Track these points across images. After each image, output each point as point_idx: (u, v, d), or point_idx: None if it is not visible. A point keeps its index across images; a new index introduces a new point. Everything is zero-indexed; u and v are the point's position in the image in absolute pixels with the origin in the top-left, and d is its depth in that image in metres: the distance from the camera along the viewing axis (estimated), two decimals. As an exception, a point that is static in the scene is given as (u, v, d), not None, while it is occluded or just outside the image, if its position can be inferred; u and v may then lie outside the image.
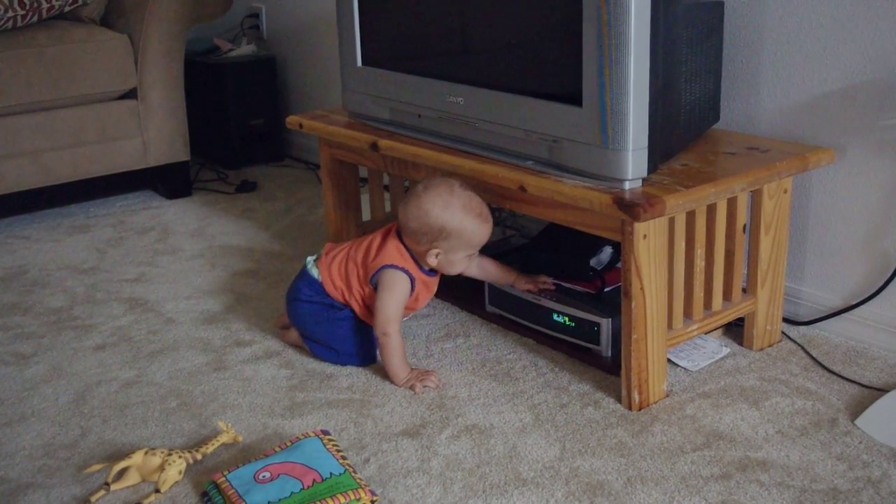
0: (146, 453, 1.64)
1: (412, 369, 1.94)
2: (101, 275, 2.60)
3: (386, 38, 2.22)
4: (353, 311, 2.01)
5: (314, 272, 2.02)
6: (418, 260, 1.95)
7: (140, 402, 1.92)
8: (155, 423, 1.84)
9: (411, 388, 1.90)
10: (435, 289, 2.03)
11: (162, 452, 1.64)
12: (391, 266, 1.93)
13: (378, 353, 1.97)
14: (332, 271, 2.01)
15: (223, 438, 1.72)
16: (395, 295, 1.93)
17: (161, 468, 1.63)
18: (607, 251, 2.07)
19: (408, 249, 1.95)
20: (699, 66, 1.91)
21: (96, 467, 1.66)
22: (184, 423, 1.83)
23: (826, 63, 1.96)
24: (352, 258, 1.99)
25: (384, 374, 1.97)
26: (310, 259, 2.06)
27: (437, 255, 1.93)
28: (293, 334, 2.11)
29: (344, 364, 2.01)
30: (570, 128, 1.78)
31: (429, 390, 1.90)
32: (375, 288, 1.95)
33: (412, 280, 1.94)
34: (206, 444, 1.70)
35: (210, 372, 2.02)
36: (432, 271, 1.99)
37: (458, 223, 1.89)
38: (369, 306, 1.99)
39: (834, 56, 1.94)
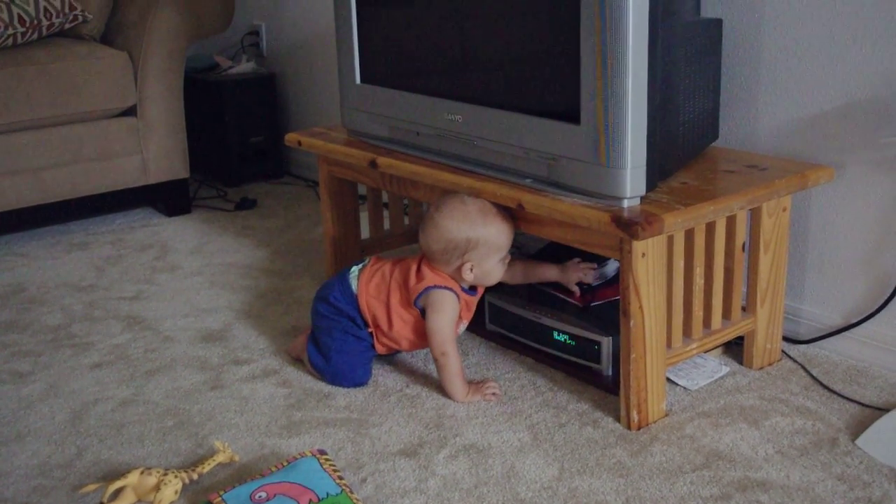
0: (142, 473, 1.63)
1: (470, 382, 1.94)
2: (100, 292, 2.59)
3: (384, 56, 2.22)
4: (371, 336, 2.01)
5: (354, 283, 2.02)
6: (456, 280, 1.95)
7: (137, 420, 1.91)
8: (151, 442, 1.83)
9: (483, 398, 1.92)
10: (474, 309, 2.02)
11: (158, 472, 1.64)
12: (436, 287, 1.93)
13: (439, 375, 1.96)
14: (369, 288, 2.00)
15: (220, 458, 1.71)
16: (447, 313, 1.93)
17: (157, 488, 1.62)
18: (613, 266, 2.07)
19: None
20: (698, 84, 1.90)
21: (92, 487, 1.65)
22: (180, 443, 1.82)
23: (825, 81, 1.96)
24: (394, 279, 1.99)
25: (382, 393, 1.97)
26: (354, 268, 2.05)
27: (471, 269, 1.93)
28: (300, 340, 2.11)
29: (329, 379, 2.01)
30: (569, 146, 1.77)
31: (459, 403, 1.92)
32: (422, 311, 1.95)
33: (458, 298, 1.95)
34: (203, 463, 1.69)
35: (207, 390, 2.01)
36: (472, 289, 1.99)
37: (482, 230, 1.90)
38: (398, 331, 1.99)
39: (833, 74, 1.94)
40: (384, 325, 1.99)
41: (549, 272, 2.09)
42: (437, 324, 1.92)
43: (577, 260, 2.07)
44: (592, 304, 2.04)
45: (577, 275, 2.07)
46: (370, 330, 2.01)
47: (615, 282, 2.08)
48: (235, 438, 1.82)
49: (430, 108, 2.08)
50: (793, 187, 1.87)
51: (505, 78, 1.93)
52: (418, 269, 1.96)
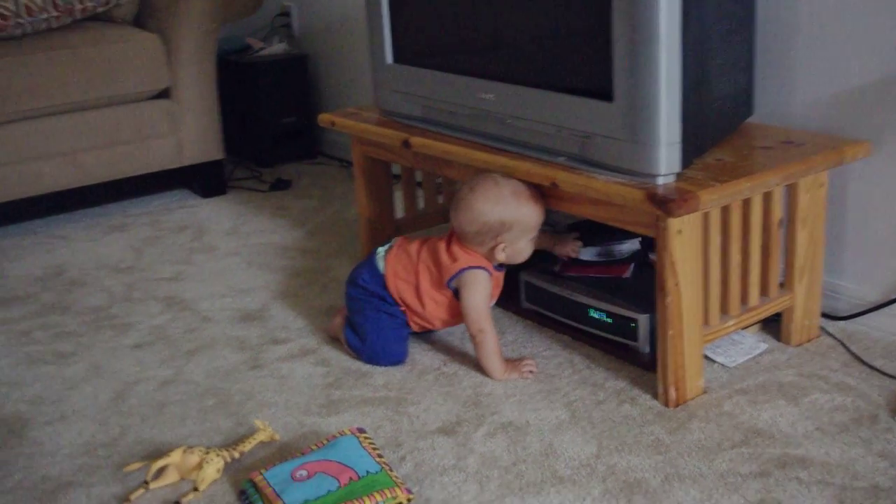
0: (184, 452, 1.66)
1: (507, 360, 1.95)
2: (138, 274, 2.62)
3: (416, 36, 2.22)
4: (404, 314, 2.02)
5: (381, 264, 2.03)
6: (488, 259, 1.96)
7: (178, 400, 1.93)
8: (193, 421, 1.85)
9: (520, 376, 1.93)
10: (502, 284, 2.04)
11: (200, 451, 1.66)
12: (470, 267, 1.94)
13: (476, 352, 1.97)
14: (397, 268, 2.02)
15: (260, 437, 1.73)
16: (482, 292, 1.95)
17: (199, 466, 1.64)
18: (627, 246, 2.08)
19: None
20: (732, 59, 1.89)
21: (135, 466, 1.68)
22: (221, 422, 1.84)
23: (861, 54, 1.94)
24: (422, 260, 2.00)
25: (420, 371, 1.98)
26: (381, 249, 2.07)
27: (503, 249, 1.94)
28: (337, 321, 2.13)
29: (366, 359, 2.02)
30: (602, 123, 1.77)
31: (510, 380, 1.93)
32: (455, 292, 1.97)
33: (490, 276, 1.96)
34: (244, 442, 1.71)
35: (246, 370, 2.04)
36: (500, 266, 2.00)
37: (515, 212, 1.91)
38: (431, 312, 2.00)
39: (869, 47, 1.92)
40: (415, 307, 2.00)
41: (545, 241, 2.11)
42: (473, 301, 1.93)
43: (574, 234, 2.11)
44: (565, 273, 2.10)
45: (567, 249, 2.11)
46: (402, 308, 2.02)
47: (624, 261, 2.11)
48: (275, 417, 1.84)
49: (462, 87, 2.08)
50: (829, 163, 1.86)
51: (537, 56, 1.93)
52: (449, 249, 1.97)
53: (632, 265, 2.08)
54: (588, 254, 2.13)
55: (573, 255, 2.12)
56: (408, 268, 2.01)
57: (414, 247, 2.03)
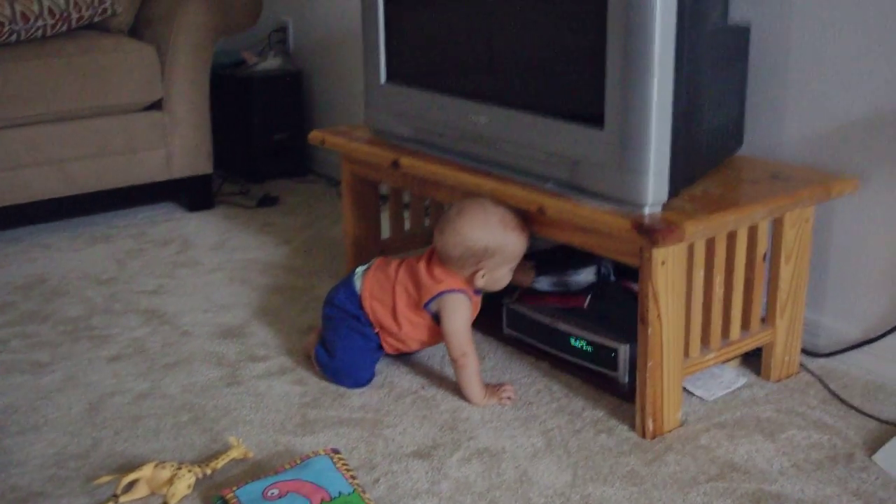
0: (156, 466, 1.64)
1: (487, 385, 1.94)
2: (120, 285, 2.60)
3: (410, 56, 2.22)
4: (377, 336, 2.01)
5: (357, 284, 2.02)
6: (467, 283, 1.96)
7: (153, 414, 1.91)
8: (166, 435, 1.83)
9: (498, 402, 1.92)
10: (479, 308, 2.02)
11: (172, 466, 1.64)
12: (451, 290, 1.93)
13: (456, 376, 1.96)
14: (374, 289, 2.01)
15: (234, 454, 1.72)
16: (463, 316, 1.94)
17: (170, 482, 1.62)
18: (586, 274, 2.08)
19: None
20: (723, 91, 1.89)
21: (106, 479, 1.66)
22: (195, 437, 1.82)
23: (852, 91, 1.94)
24: (399, 281, 1.99)
25: (398, 394, 1.97)
26: (359, 269, 2.06)
27: (483, 276, 1.93)
28: (311, 338, 2.12)
29: (331, 375, 2.01)
30: (592, 150, 1.77)
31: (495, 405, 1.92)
32: (434, 315, 1.95)
33: (470, 301, 1.96)
34: (217, 458, 1.70)
35: (223, 386, 2.02)
36: (477, 291, 1.99)
37: (500, 239, 1.90)
38: (407, 334, 1.99)
39: (860, 84, 1.92)
40: (391, 328, 1.99)
41: (526, 278, 2.11)
42: (455, 325, 1.92)
43: (530, 263, 2.10)
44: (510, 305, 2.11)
45: (522, 277, 2.09)
46: (376, 331, 2.01)
47: (580, 292, 2.09)
48: (250, 435, 1.83)
49: (454, 109, 2.08)
50: (816, 198, 1.86)
51: (530, 81, 1.93)
52: (430, 270, 1.96)
53: (588, 296, 2.07)
54: (543, 283, 2.11)
55: (527, 283, 2.11)
56: (385, 288, 2.00)
57: (392, 267, 2.02)
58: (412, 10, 2.20)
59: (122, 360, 2.15)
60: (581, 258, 2.13)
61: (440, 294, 1.93)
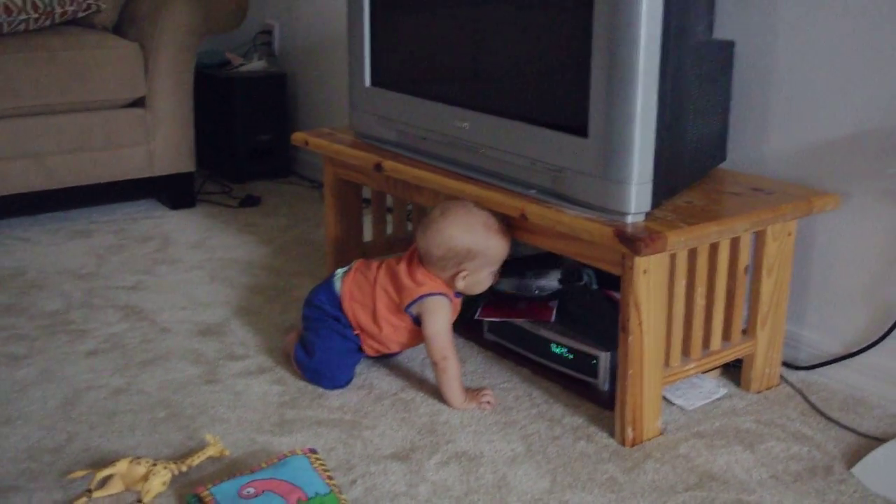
0: (131, 462, 1.63)
1: (467, 390, 1.93)
2: (99, 281, 2.59)
3: (395, 60, 2.22)
4: (358, 338, 2.00)
5: (338, 286, 2.02)
6: (447, 284, 1.95)
7: (129, 410, 1.90)
8: (142, 432, 1.82)
9: (478, 406, 1.91)
10: (458, 310, 2.02)
11: (147, 462, 1.63)
12: (432, 294, 1.92)
13: (437, 379, 1.95)
14: (354, 291, 2.00)
15: (210, 451, 1.70)
16: (444, 319, 1.93)
17: (145, 478, 1.61)
18: (549, 280, 2.08)
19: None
20: (707, 104, 1.90)
21: (80, 473, 1.64)
22: (171, 434, 1.81)
23: (836, 108, 1.95)
24: (379, 284, 1.98)
25: (377, 396, 1.96)
26: (339, 271, 2.05)
27: (464, 278, 1.92)
28: (291, 337, 2.11)
29: (310, 376, 2.00)
30: (575, 158, 1.77)
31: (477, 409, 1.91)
32: (414, 318, 1.95)
33: (451, 303, 1.95)
34: (193, 456, 1.68)
35: (201, 384, 2.01)
36: (457, 294, 1.99)
37: (483, 242, 1.90)
38: (388, 336, 1.98)
39: (844, 101, 1.94)
40: (371, 330, 1.98)
41: None
42: (436, 328, 1.92)
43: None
44: (485, 319, 2.10)
45: None
46: (357, 332, 2.00)
47: (545, 300, 2.10)
48: (227, 433, 1.81)
49: (438, 114, 2.08)
50: (798, 212, 1.86)
51: (515, 88, 1.93)
52: (410, 272, 1.95)
53: (554, 310, 2.06)
54: (506, 285, 2.11)
55: (491, 284, 2.08)
56: (364, 291, 1.99)
57: (372, 270, 2.01)
58: (398, 14, 2.20)
59: (99, 355, 2.13)
60: (547, 263, 2.13)
61: (421, 297, 1.93)
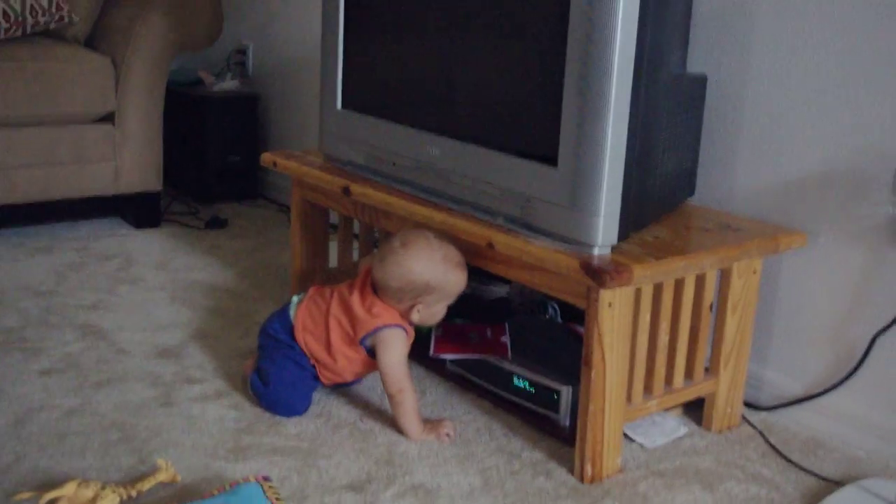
0: (79, 485, 1.58)
1: (426, 421, 1.90)
2: (58, 298, 2.54)
3: (367, 84, 2.21)
4: (314, 368, 1.97)
5: (292, 313, 1.99)
6: (402, 316, 1.92)
7: (80, 431, 1.85)
8: (93, 454, 1.77)
9: (437, 438, 1.88)
10: (412, 339, 1.99)
11: (95, 485, 1.59)
12: (387, 326, 1.89)
13: (393, 411, 1.92)
14: (307, 321, 1.97)
15: (161, 476, 1.66)
16: (400, 351, 1.90)
17: (93, 501, 1.57)
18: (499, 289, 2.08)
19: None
20: (678, 138, 1.90)
21: (25, 495, 1.60)
22: (123, 458, 1.77)
23: (805, 147, 1.95)
24: (333, 314, 1.95)
25: (335, 425, 1.93)
26: (295, 298, 2.02)
27: (419, 311, 1.90)
28: (249, 363, 2.08)
29: (266, 404, 1.96)
30: (544, 188, 1.76)
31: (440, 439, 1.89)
32: (369, 350, 1.92)
33: (406, 335, 1.93)
34: (143, 480, 1.64)
35: (157, 407, 1.97)
36: (411, 324, 1.96)
37: (442, 276, 1.88)
38: (343, 367, 1.96)
39: (813, 141, 1.94)
40: (325, 361, 1.95)
41: None
42: (392, 360, 1.89)
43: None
44: (439, 355, 2.06)
45: None
46: (312, 362, 1.97)
47: (496, 327, 2.09)
48: (180, 458, 1.77)
49: (408, 139, 2.06)
50: (764, 250, 1.86)
51: (486, 115, 1.92)
52: (364, 301, 1.92)
53: (508, 344, 2.04)
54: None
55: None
56: (318, 321, 1.96)
57: (325, 298, 1.98)
58: (372, 39, 2.18)
59: (53, 374, 2.09)
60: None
61: (377, 329, 1.90)
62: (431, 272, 1.87)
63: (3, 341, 2.25)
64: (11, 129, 2.90)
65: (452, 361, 2.11)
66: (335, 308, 1.95)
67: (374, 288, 1.92)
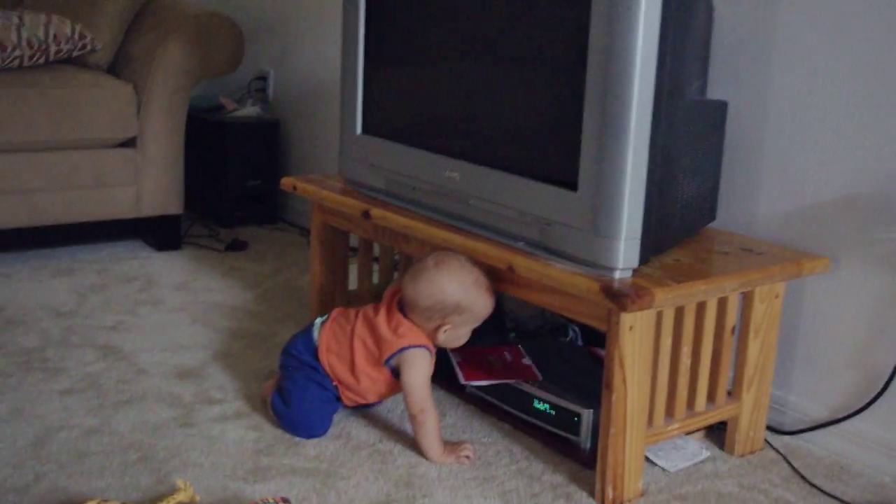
0: (98, 505, 1.59)
1: (446, 443, 1.90)
2: (79, 319, 2.55)
3: (387, 109, 2.22)
4: (336, 388, 1.97)
5: (315, 335, 1.99)
6: (428, 336, 1.92)
7: (100, 451, 1.86)
8: (112, 474, 1.77)
9: (456, 460, 1.87)
10: (434, 361, 1.99)
11: (114, 505, 1.59)
12: (412, 346, 1.90)
13: (414, 432, 1.91)
14: (331, 343, 1.97)
15: (179, 497, 1.66)
16: (424, 372, 1.90)
17: (111, 522, 1.57)
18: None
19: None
20: (698, 163, 1.89)
21: (45, 515, 1.60)
22: (141, 478, 1.77)
23: (827, 171, 1.95)
24: (357, 335, 1.95)
25: (354, 446, 1.92)
26: (318, 320, 2.02)
27: (445, 331, 1.90)
28: (269, 384, 2.08)
29: (286, 425, 1.96)
30: (564, 212, 1.76)
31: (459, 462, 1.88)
32: (393, 370, 1.92)
33: (431, 355, 1.93)
34: (162, 501, 1.64)
35: (176, 427, 1.97)
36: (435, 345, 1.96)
37: (473, 299, 1.88)
38: (366, 388, 1.95)
39: (835, 165, 1.93)
40: (349, 382, 1.95)
41: None
42: (415, 381, 1.88)
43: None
44: (470, 382, 2.04)
45: None
46: (335, 383, 1.97)
47: (518, 351, 2.08)
48: (199, 479, 1.77)
49: (428, 164, 2.07)
50: (787, 274, 1.85)
51: (506, 139, 1.92)
52: (390, 321, 1.92)
53: (534, 368, 2.03)
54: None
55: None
56: (341, 342, 1.96)
57: (349, 320, 1.98)
58: (392, 64, 2.20)
59: (73, 394, 2.10)
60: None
61: (402, 350, 1.90)
62: (463, 293, 1.87)
63: (25, 361, 2.26)
64: (34, 154, 2.93)
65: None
66: (360, 329, 1.95)
67: (402, 307, 1.92)
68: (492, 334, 2.08)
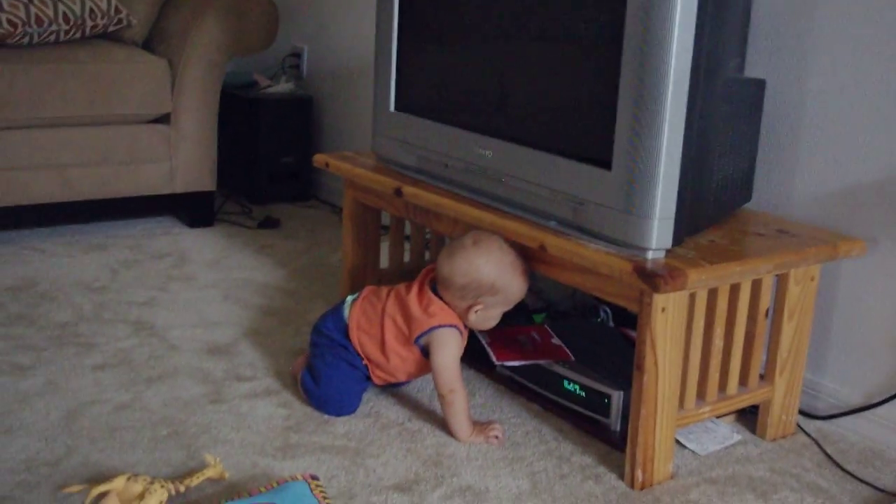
0: (128, 479, 1.59)
1: (475, 423, 1.89)
2: (111, 294, 2.57)
3: (420, 86, 2.20)
4: (366, 367, 1.97)
5: (346, 313, 1.99)
6: (460, 316, 1.91)
7: (131, 426, 1.87)
8: (143, 449, 1.79)
9: (486, 440, 1.87)
10: (465, 342, 1.98)
11: (144, 480, 1.59)
12: (442, 325, 1.89)
13: (443, 411, 1.91)
14: (361, 321, 1.96)
15: (209, 473, 1.67)
16: (454, 351, 1.90)
17: (141, 496, 1.57)
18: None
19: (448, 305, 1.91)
20: (734, 143, 1.87)
21: (76, 488, 1.61)
22: (172, 453, 1.78)
23: (865, 153, 1.91)
24: (388, 314, 1.94)
25: (383, 424, 1.92)
26: (349, 298, 2.02)
27: (477, 311, 1.89)
28: (299, 361, 2.09)
29: (316, 403, 1.96)
30: (597, 191, 1.74)
31: (489, 441, 1.87)
32: (423, 349, 1.91)
33: (461, 335, 1.92)
34: (191, 476, 1.65)
35: (206, 403, 1.98)
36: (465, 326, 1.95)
37: (508, 281, 1.87)
38: (396, 366, 1.95)
39: (874, 146, 1.90)
40: (378, 360, 1.95)
41: None
42: (445, 361, 1.88)
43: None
44: (503, 363, 2.02)
45: None
46: (364, 362, 1.96)
47: (551, 333, 2.07)
48: (228, 455, 1.78)
49: (460, 141, 2.05)
50: (823, 257, 1.82)
51: (539, 118, 1.90)
52: (422, 301, 1.92)
53: (565, 348, 2.01)
54: None
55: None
56: (372, 320, 1.95)
57: (380, 298, 1.98)
58: (425, 41, 2.18)
59: (105, 369, 2.11)
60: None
61: (432, 329, 1.89)
62: (498, 273, 1.86)
63: (58, 336, 2.27)
64: (69, 129, 2.94)
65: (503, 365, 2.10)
66: (391, 307, 1.94)
67: (436, 285, 1.92)
68: (514, 315, 2.07)
